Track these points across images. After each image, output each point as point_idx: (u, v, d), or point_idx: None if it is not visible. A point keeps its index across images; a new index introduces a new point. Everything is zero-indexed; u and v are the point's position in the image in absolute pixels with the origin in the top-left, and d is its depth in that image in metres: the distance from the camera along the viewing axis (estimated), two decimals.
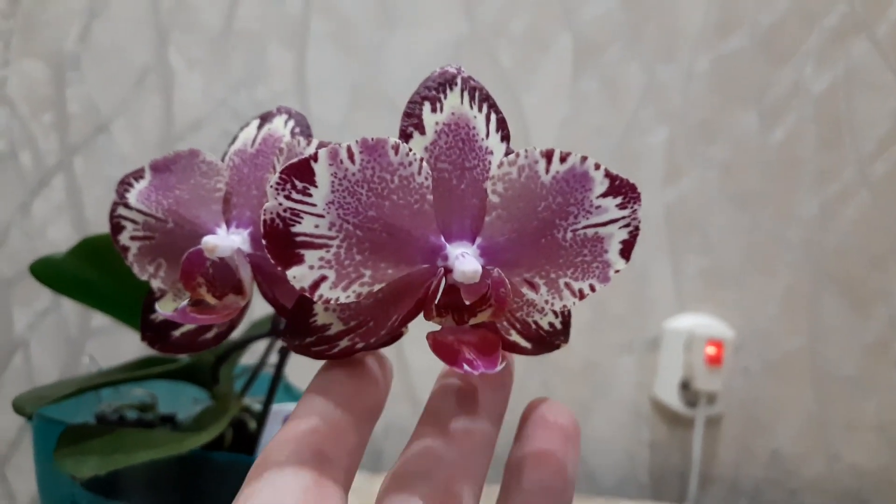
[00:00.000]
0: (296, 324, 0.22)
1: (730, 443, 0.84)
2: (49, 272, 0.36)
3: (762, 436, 0.84)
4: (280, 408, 0.39)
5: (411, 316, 0.23)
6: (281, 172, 0.20)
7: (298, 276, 0.20)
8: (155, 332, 0.28)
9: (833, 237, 0.81)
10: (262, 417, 0.38)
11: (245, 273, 0.25)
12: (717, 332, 0.80)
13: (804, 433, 0.84)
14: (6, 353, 0.83)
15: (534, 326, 0.24)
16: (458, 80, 0.22)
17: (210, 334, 0.27)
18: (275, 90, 0.80)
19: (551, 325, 0.25)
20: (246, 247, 0.25)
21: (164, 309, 0.26)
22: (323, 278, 0.21)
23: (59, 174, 0.81)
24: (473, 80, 0.23)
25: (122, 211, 0.26)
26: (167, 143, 0.80)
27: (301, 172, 0.20)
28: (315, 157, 0.20)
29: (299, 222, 0.20)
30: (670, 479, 0.85)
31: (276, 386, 0.37)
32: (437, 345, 0.21)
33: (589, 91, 0.81)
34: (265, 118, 0.28)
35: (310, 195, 0.20)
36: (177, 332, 0.28)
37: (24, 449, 0.84)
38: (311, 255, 0.20)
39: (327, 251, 0.20)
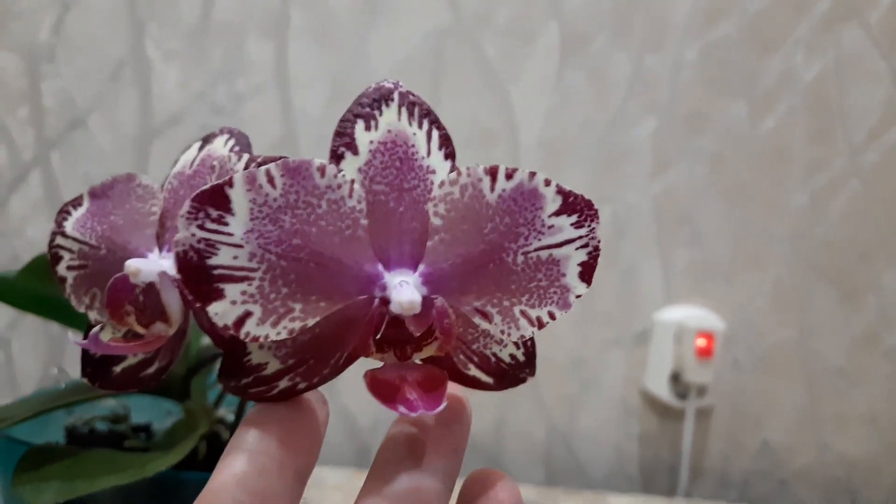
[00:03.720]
0: (230, 363, 0.21)
1: (720, 435, 0.84)
2: (3, 292, 0.35)
3: (752, 427, 0.84)
4: None
5: (356, 352, 0.21)
6: (192, 200, 0.18)
7: (220, 312, 0.19)
8: (95, 367, 0.26)
9: (823, 229, 0.81)
10: (235, 429, 0.37)
11: (171, 299, 0.23)
12: (708, 324, 0.80)
13: (794, 424, 0.83)
14: None
15: (493, 359, 0.23)
16: (396, 96, 0.21)
17: (151, 369, 0.26)
18: (254, 83, 0.79)
19: (513, 356, 0.23)
20: (172, 271, 0.24)
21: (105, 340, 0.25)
22: (248, 314, 0.19)
23: (35, 170, 0.79)
24: (413, 95, 0.21)
25: (59, 240, 0.25)
26: (145, 137, 0.79)
27: (215, 199, 0.18)
28: (230, 183, 0.18)
29: (215, 254, 0.18)
30: (660, 471, 0.85)
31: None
32: (375, 383, 0.20)
33: (576, 82, 0.79)
34: (206, 139, 0.26)
35: (226, 224, 0.18)
36: (118, 368, 0.26)
37: None
38: (231, 290, 0.19)
39: (249, 284, 0.19)
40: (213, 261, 0.18)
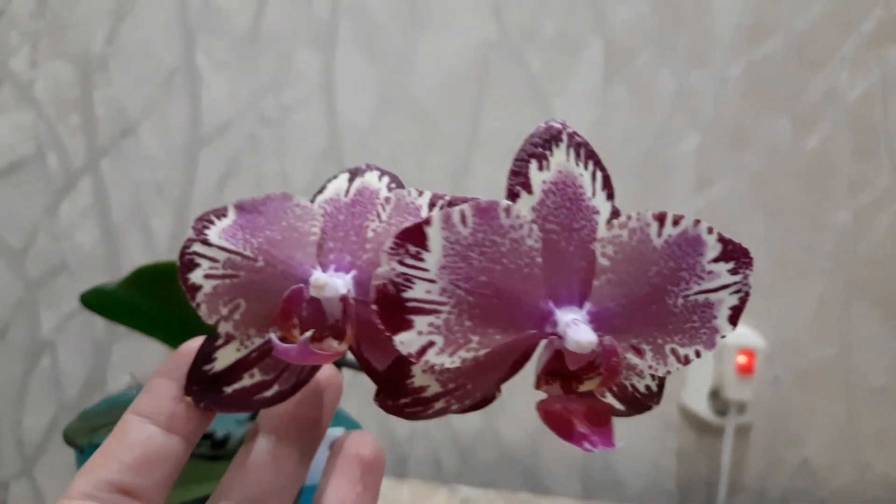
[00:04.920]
0: (391, 385, 0.22)
1: (758, 452, 0.84)
2: (101, 302, 0.36)
3: (791, 445, 0.83)
4: (329, 433, 0.38)
5: (507, 377, 0.22)
6: (395, 237, 0.19)
7: (406, 341, 0.20)
8: (204, 386, 0.26)
9: (866, 246, 0.80)
10: None
11: (350, 312, 0.24)
12: (749, 341, 0.80)
13: (834, 443, 0.83)
14: (33, 354, 0.83)
15: (630, 389, 0.24)
16: (564, 136, 0.22)
17: (270, 392, 0.26)
18: (302, 94, 0.80)
19: (648, 387, 0.24)
20: (349, 290, 0.24)
21: (227, 359, 0.25)
22: (431, 344, 0.20)
23: (85, 176, 0.80)
24: (578, 136, 0.22)
25: (198, 248, 0.25)
26: (194, 145, 0.80)
27: (414, 237, 0.19)
28: (428, 221, 0.19)
29: (411, 287, 0.19)
30: (697, 487, 0.84)
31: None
32: (549, 416, 0.21)
33: (619, 97, 0.80)
34: (354, 173, 0.27)
35: (422, 260, 0.19)
36: (229, 389, 0.26)
37: (52, 451, 0.84)
38: (420, 321, 0.20)
39: (437, 317, 0.20)
40: (408, 294, 0.19)
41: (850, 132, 0.79)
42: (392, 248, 0.19)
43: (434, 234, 0.19)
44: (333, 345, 0.23)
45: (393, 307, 0.19)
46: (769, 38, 0.79)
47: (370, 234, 0.25)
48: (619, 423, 0.77)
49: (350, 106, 0.80)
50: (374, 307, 0.19)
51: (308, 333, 0.23)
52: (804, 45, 0.79)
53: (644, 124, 0.80)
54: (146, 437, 0.24)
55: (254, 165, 0.80)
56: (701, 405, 0.81)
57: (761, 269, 0.81)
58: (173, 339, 0.34)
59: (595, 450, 0.20)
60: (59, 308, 0.82)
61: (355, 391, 0.55)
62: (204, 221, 0.25)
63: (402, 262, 0.19)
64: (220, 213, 0.25)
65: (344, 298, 0.24)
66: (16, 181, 0.80)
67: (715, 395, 0.81)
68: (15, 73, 0.79)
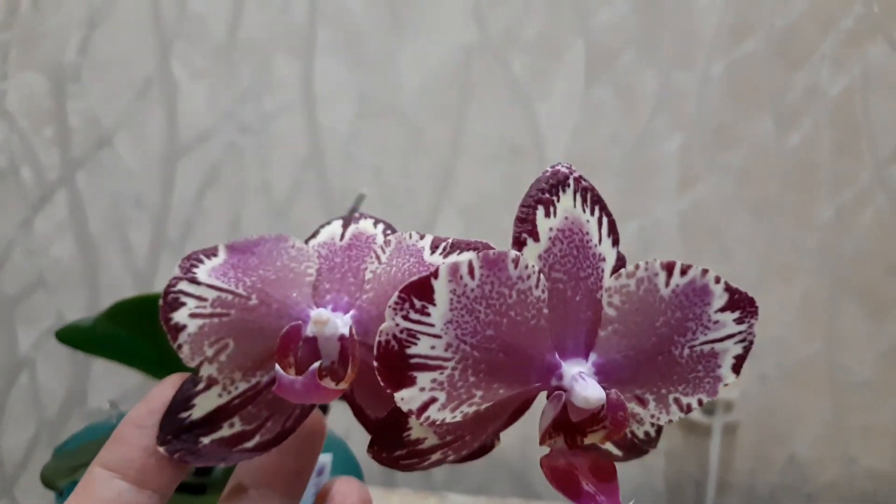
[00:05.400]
0: (387, 437, 0.21)
1: (746, 450, 0.84)
2: (78, 338, 0.35)
3: (779, 442, 0.84)
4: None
5: (505, 427, 0.21)
6: (400, 291, 0.18)
7: (407, 398, 0.19)
8: (179, 435, 0.24)
9: (850, 243, 0.81)
10: None
11: (351, 356, 0.23)
12: None
13: (820, 439, 0.83)
14: (11, 372, 0.81)
15: (629, 436, 0.23)
16: (571, 181, 0.21)
17: (251, 443, 0.25)
18: (281, 101, 0.78)
19: (646, 433, 0.24)
20: (347, 330, 0.23)
21: (207, 405, 0.24)
22: (433, 400, 0.19)
23: (61, 189, 0.79)
24: (584, 181, 0.21)
25: (184, 286, 0.24)
26: (172, 155, 0.78)
27: (420, 290, 0.19)
28: (435, 274, 0.19)
29: (415, 343, 0.19)
30: (686, 486, 0.85)
31: None
32: (554, 473, 0.20)
33: (603, 98, 0.79)
34: (347, 221, 0.27)
35: (428, 314, 0.19)
36: (207, 439, 0.24)
37: (31, 469, 0.82)
38: (423, 378, 0.19)
39: (441, 373, 0.19)
40: (411, 350, 0.19)
41: (831, 129, 0.80)
42: (396, 303, 0.18)
43: (441, 288, 0.19)
44: (331, 385, 0.23)
45: (396, 364, 0.19)
46: (750, 36, 0.79)
47: (369, 276, 0.24)
48: None
49: (331, 112, 0.79)
50: (375, 364, 0.19)
51: (316, 364, 0.22)
52: (785, 43, 0.79)
53: (627, 125, 0.80)
54: (115, 494, 0.22)
55: (234, 174, 0.79)
56: None
57: (746, 267, 0.82)
58: (156, 371, 0.33)
59: None
60: (37, 324, 0.81)
61: (341, 404, 0.54)
62: (192, 260, 0.24)
63: (406, 318, 0.19)
64: (210, 253, 0.24)
65: (343, 338, 0.23)
66: None
67: None
68: None
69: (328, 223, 0.27)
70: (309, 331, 0.23)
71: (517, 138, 0.79)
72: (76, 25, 0.76)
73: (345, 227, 0.26)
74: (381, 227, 0.26)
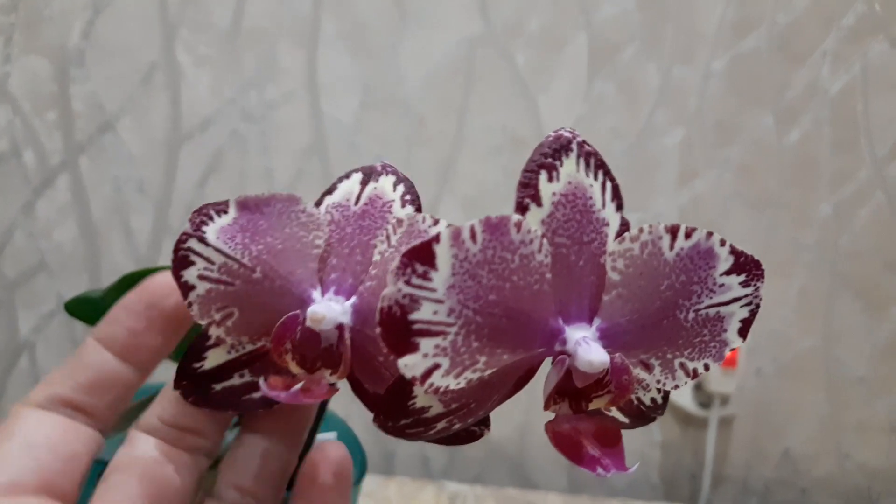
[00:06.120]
0: (392, 407, 0.21)
1: (742, 443, 0.85)
2: (86, 310, 0.35)
3: (774, 436, 0.84)
4: (320, 437, 0.38)
5: (510, 395, 0.22)
6: (402, 256, 0.18)
7: (410, 364, 0.19)
8: (193, 381, 0.25)
9: (848, 239, 0.81)
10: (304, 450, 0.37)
11: (347, 350, 0.23)
12: None
13: (816, 433, 0.84)
14: (11, 355, 0.81)
15: (635, 402, 0.23)
16: (574, 146, 0.21)
17: (259, 394, 0.25)
18: (285, 89, 0.78)
19: (653, 400, 0.24)
20: (347, 319, 0.23)
21: (217, 359, 0.25)
22: (436, 366, 0.19)
23: (63, 174, 0.79)
24: (588, 145, 0.21)
25: (194, 244, 0.23)
26: (175, 142, 0.79)
27: (422, 255, 0.18)
28: (437, 239, 0.18)
29: (417, 309, 0.18)
30: (682, 479, 0.85)
31: (321, 419, 0.36)
32: (558, 437, 0.20)
33: (604, 92, 0.80)
34: (368, 174, 0.26)
35: (430, 279, 0.18)
36: (218, 386, 0.25)
37: None
38: (426, 343, 0.19)
39: (444, 339, 0.19)
40: (414, 315, 0.18)
41: (831, 126, 0.80)
42: (399, 268, 0.18)
43: (442, 252, 0.18)
44: (326, 375, 0.23)
45: (398, 330, 0.18)
46: (752, 32, 0.79)
47: (377, 257, 0.23)
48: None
49: (334, 102, 0.79)
50: (378, 330, 0.19)
51: (297, 386, 0.22)
52: (786, 40, 0.79)
53: (628, 119, 0.80)
54: (101, 361, 0.25)
55: (236, 162, 0.79)
56: (685, 398, 0.82)
57: None
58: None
59: (608, 474, 0.19)
60: (38, 308, 0.81)
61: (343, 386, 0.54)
62: (202, 216, 0.24)
63: (408, 283, 0.18)
64: (221, 209, 0.24)
65: (341, 327, 0.23)
66: None
67: (698, 388, 0.81)
68: None
69: (347, 177, 0.26)
70: (307, 322, 0.23)
71: (519, 130, 0.79)
72: (80, 9, 0.76)
73: (363, 184, 0.26)
74: (400, 189, 0.25)
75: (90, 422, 0.25)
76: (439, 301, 0.19)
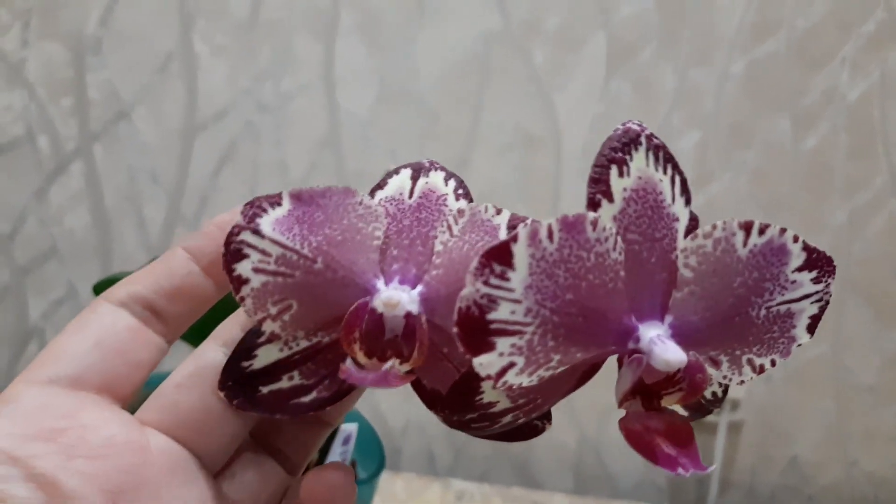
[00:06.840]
0: (458, 401, 0.21)
1: (749, 449, 0.84)
2: None
3: (781, 442, 0.84)
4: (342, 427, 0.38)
5: (574, 389, 0.21)
6: (481, 257, 0.18)
7: (486, 363, 0.19)
8: (240, 382, 0.24)
9: (860, 246, 0.81)
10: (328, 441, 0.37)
11: (422, 332, 0.22)
12: None
13: (823, 441, 0.84)
14: (21, 341, 0.81)
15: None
16: (643, 139, 0.21)
17: (307, 398, 0.24)
18: (301, 81, 0.78)
19: (714, 394, 0.23)
20: (416, 308, 0.22)
21: (268, 357, 0.24)
22: (511, 365, 0.19)
23: (77, 160, 0.79)
24: (656, 138, 0.21)
25: (248, 237, 0.22)
26: (190, 131, 0.78)
27: (500, 255, 0.18)
28: (515, 238, 0.18)
29: (495, 309, 0.18)
30: (688, 483, 0.85)
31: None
32: (631, 435, 0.20)
33: (621, 92, 0.79)
34: (417, 170, 0.26)
35: (508, 279, 0.18)
36: (265, 389, 0.24)
37: None
38: (502, 343, 0.19)
39: (520, 338, 0.19)
40: (491, 315, 0.18)
41: (847, 133, 0.80)
42: (477, 268, 0.18)
43: (520, 252, 0.18)
44: (396, 365, 0.22)
45: (476, 330, 0.18)
46: (771, 37, 0.79)
47: (439, 247, 0.23)
48: (612, 418, 0.77)
49: (350, 95, 0.79)
50: (455, 330, 0.18)
51: (389, 364, 0.22)
52: (805, 45, 0.79)
53: (644, 120, 0.79)
54: (187, 272, 0.25)
55: (250, 153, 0.79)
56: None
57: None
58: (192, 332, 0.33)
59: (687, 474, 0.19)
60: (48, 294, 0.81)
61: None
62: (255, 208, 0.23)
63: (486, 283, 0.18)
64: (274, 202, 0.23)
65: (409, 316, 0.22)
66: (4, 163, 0.78)
67: None
68: (5, 52, 0.77)
69: (396, 172, 0.26)
70: (377, 308, 0.22)
71: (533, 128, 0.79)
72: None
73: (414, 179, 0.25)
74: (452, 184, 0.25)
75: (161, 329, 0.25)
76: (517, 301, 0.19)
